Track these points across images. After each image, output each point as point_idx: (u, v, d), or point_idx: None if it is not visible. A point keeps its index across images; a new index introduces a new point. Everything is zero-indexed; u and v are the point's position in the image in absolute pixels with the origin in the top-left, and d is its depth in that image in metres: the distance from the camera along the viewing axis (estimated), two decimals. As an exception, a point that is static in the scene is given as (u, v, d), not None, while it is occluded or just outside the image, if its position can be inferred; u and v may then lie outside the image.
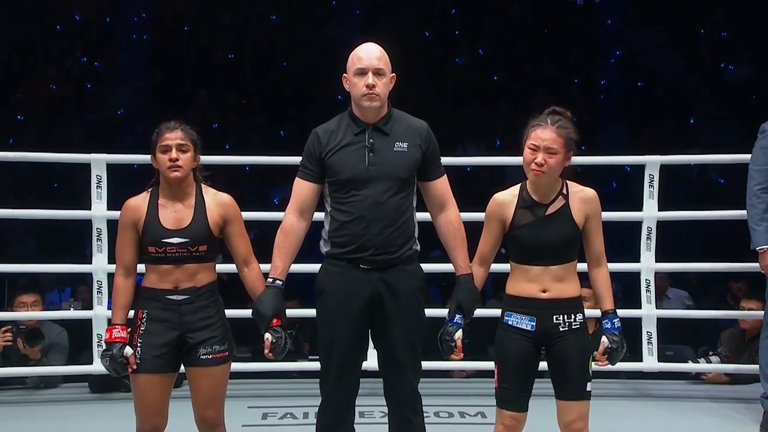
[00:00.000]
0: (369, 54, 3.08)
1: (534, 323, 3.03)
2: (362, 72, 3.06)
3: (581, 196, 3.06)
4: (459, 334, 3.09)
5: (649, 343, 4.77)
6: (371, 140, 3.06)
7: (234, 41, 12.64)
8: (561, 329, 3.03)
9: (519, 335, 3.04)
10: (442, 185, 3.16)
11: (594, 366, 3.07)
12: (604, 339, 3.07)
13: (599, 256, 3.11)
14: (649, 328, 4.79)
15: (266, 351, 3.06)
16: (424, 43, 12.59)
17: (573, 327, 3.04)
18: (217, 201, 3.13)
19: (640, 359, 4.81)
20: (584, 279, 3.13)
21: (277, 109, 11.34)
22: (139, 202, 3.11)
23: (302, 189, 3.13)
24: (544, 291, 3.03)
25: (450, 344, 3.07)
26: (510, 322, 3.06)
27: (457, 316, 3.10)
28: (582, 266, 3.11)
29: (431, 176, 3.14)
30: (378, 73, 3.05)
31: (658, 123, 11.22)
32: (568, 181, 3.10)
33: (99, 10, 12.64)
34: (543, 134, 3.01)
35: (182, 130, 3.11)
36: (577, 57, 12.49)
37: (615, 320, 3.09)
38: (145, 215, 3.07)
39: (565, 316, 3.03)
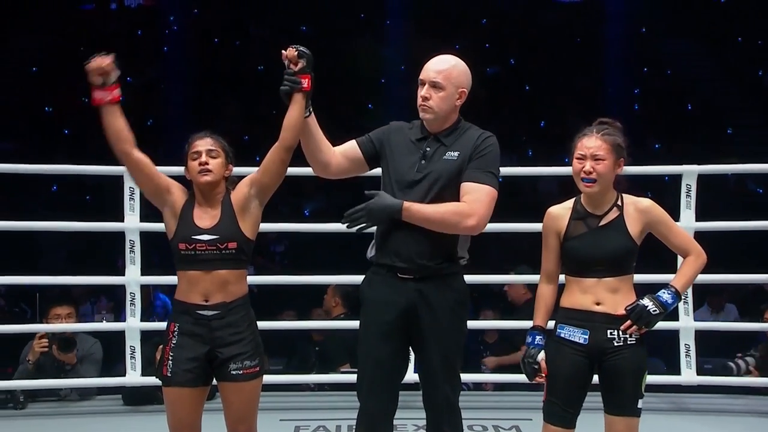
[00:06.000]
0: (430, 66, 3.11)
1: (587, 336, 3.00)
2: (421, 83, 3.10)
3: (636, 207, 3.05)
4: (542, 355, 3.06)
5: (687, 356, 4.73)
6: (428, 148, 3.08)
7: (263, 53, 12.75)
8: (615, 344, 2.99)
9: (571, 348, 3.02)
10: (468, 188, 3.00)
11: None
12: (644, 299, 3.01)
13: (685, 249, 3.11)
14: (687, 341, 4.74)
15: None
16: (454, 52, 12.61)
17: (629, 342, 3.00)
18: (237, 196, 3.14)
19: (678, 372, 4.77)
20: (642, 291, 3.10)
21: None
22: (183, 193, 3.14)
23: (350, 144, 3.18)
24: (597, 303, 3.00)
25: (534, 366, 3.06)
26: (562, 335, 3.04)
27: (538, 337, 3.09)
28: (640, 277, 3.08)
29: (464, 178, 3.04)
30: (434, 85, 3.07)
31: (693, 132, 11.15)
32: (623, 194, 3.09)
33: (130, 23, 12.83)
34: (588, 142, 3.02)
35: (212, 138, 3.16)
36: (610, 66, 12.45)
37: (668, 294, 3.02)
38: (182, 209, 3.09)
39: (621, 331, 2.99)
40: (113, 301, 7.23)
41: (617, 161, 3.04)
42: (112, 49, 3.08)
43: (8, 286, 6.88)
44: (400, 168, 3.08)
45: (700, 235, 4.76)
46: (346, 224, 3.01)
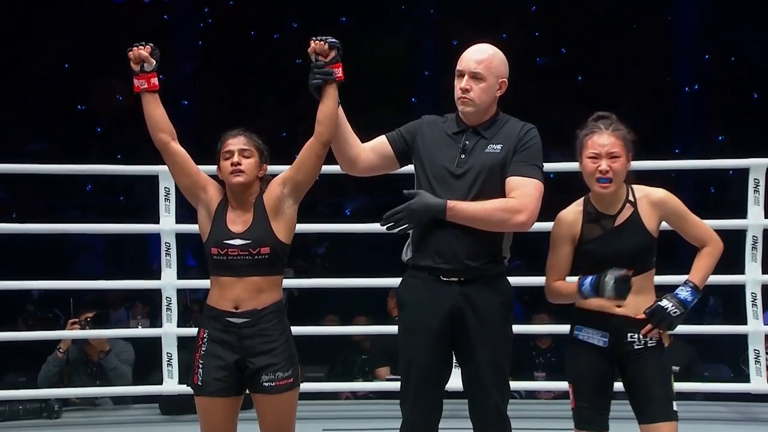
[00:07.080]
0: (469, 56, 3.08)
1: (606, 339, 2.98)
2: (460, 74, 3.07)
3: (650, 200, 3.02)
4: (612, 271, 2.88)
5: (757, 362, 4.63)
6: (467, 142, 3.05)
7: (302, 45, 12.77)
8: (636, 347, 2.98)
9: (591, 350, 3.00)
10: (515, 182, 2.99)
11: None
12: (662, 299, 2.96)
13: (702, 240, 3.06)
14: (756, 346, 4.64)
15: None
16: (502, 42, 12.52)
17: (649, 345, 2.98)
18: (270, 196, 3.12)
19: (747, 380, 4.67)
20: (663, 290, 3.06)
21: (347, 115, 11.39)
22: (218, 193, 3.13)
23: (380, 139, 3.17)
24: (618, 305, 2.97)
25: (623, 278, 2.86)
26: (580, 337, 3.03)
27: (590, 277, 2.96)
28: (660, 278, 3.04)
29: (509, 172, 3.01)
30: (475, 77, 3.04)
31: (760, 123, 10.94)
32: (633, 186, 3.06)
33: (163, 17, 12.94)
34: (601, 140, 2.99)
35: (245, 136, 3.14)
36: (669, 54, 12.26)
37: (686, 291, 2.97)
38: (216, 210, 3.09)
39: (641, 335, 2.97)
40: (149, 306, 7.28)
41: (628, 156, 3.02)
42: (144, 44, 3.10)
43: (42, 290, 6.96)
44: (437, 163, 3.04)
45: (769, 233, 4.67)
46: (386, 226, 2.98)
